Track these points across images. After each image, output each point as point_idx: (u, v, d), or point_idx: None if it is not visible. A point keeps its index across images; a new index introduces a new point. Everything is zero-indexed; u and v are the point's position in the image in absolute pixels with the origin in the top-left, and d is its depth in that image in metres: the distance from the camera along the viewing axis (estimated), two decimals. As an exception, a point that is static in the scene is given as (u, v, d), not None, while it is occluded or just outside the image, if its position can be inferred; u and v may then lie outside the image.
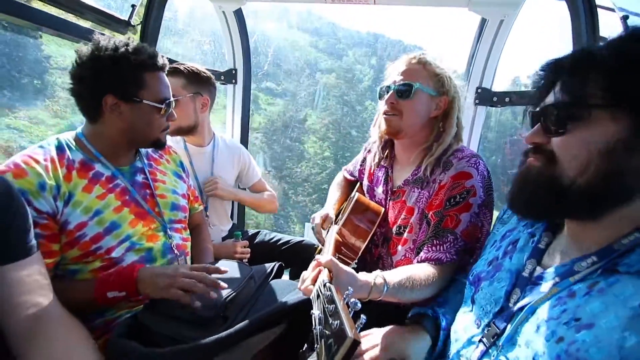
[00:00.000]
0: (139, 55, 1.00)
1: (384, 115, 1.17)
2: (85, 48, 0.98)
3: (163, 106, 1.06)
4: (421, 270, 0.94)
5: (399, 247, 1.16)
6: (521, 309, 0.63)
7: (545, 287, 0.62)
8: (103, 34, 1.03)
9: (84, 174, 0.99)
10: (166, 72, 1.35)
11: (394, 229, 1.19)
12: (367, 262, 1.33)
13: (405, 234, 1.14)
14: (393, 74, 1.16)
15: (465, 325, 0.76)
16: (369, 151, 1.43)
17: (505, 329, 0.64)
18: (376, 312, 0.92)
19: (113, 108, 1.00)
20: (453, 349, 0.76)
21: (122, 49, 0.99)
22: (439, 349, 0.83)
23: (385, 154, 1.30)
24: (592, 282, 0.56)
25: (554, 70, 0.65)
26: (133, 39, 1.04)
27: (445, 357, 0.79)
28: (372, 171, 1.36)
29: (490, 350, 0.65)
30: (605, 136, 0.55)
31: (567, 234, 0.68)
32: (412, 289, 0.88)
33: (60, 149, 0.99)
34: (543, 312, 0.59)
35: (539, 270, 0.67)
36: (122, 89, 1.00)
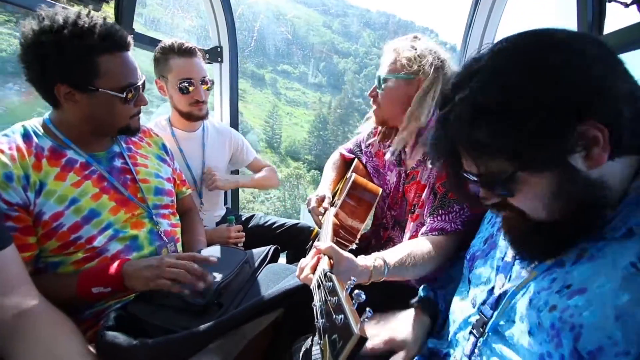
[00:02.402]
0: (87, 37, 0.86)
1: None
2: (29, 27, 0.84)
3: (123, 95, 0.93)
4: (423, 244, 0.93)
5: (410, 224, 1.14)
6: (505, 293, 0.63)
7: (525, 272, 0.63)
8: (53, 4, 0.90)
9: (54, 161, 0.92)
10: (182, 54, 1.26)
11: (411, 209, 1.16)
12: (372, 245, 1.32)
13: (417, 210, 1.13)
14: None
15: (462, 305, 0.76)
16: (376, 134, 1.38)
17: (492, 316, 0.64)
18: (382, 294, 0.91)
19: (68, 97, 0.90)
20: (451, 331, 0.76)
21: (66, 31, 0.84)
22: (439, 326, 0.83)
23: (388, 133, 1.30)
24: (580, 250, 0.56)
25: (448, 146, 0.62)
26: (88, 12, 0.89)
27: (444, 337, 0.79)
28: (382, 155, 1.33)
29: (479, 340, 0.65)
30: (544, 187, 0.54)
31: None
32: (414, 265, 0.87)
33: (26, 136, 0.92)
34: (534, 286, 0.59)
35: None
36: (73, 78, 0.88)
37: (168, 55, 1.46)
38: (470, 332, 0.67)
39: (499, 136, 0.52)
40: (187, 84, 1.46)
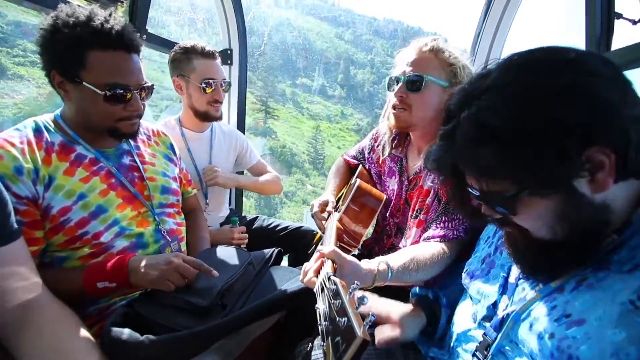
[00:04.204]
0: (78, 28, 0.86)
1: (393, 110, 1.11)
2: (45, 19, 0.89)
3: (103, 92, 0.90)
4: (426, 250, 0.93)
5: (414, 229, 1.13)
6: (508, 316, 0.62)
7: (530, 294, 0.62)
8: (67, 1, 0.93)
9: (64, 156, 0.94)
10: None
11: (414, 214, 1.16)
12: (375, 252, 1.32)
13: (421, 216, 1.12)
14: (402, 63, 1.09)
15: (463, 318, 0.76)
16: (377, 140, 1.38)
17: (495, 339, 0.63)
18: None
19: (60, 86, 0.92)
20: (452, 342, 0.76)
21: (60, 20, 0.86)
22: (442, 327, 0.83)
23: (394, 144, 1.27)
24: (581, 277, 0.55)
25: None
26: (110, 13, 0.91)
27: (445, 348, 0.79)
28: (382, 162, 1.33)
29: None
30: (548, 209, 0.53)
31: None
32: (417, 270, 0.87)
33: (37, 131, 0.93)
34: (535, 310, 0.59)
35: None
36: (62, 66, 0.89)
37: (191, 56, 1.51)
38: (474, 355, 0.67)
39: (504, 160, 0.51)
40: (209, 84, 1.51)
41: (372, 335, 0.85)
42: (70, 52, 0.87)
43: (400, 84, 1.06)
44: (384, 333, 0.78)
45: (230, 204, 2.02)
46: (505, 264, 0.71)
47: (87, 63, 0.88)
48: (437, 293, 0.89)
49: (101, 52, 0.89)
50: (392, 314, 0.81)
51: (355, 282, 0.56)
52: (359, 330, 0.42)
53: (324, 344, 0.48)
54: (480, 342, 0.66)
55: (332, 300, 0.52)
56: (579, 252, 0.55)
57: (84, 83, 0.89)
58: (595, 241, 0.54)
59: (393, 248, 1.25)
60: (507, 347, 0.62)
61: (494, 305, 0.68)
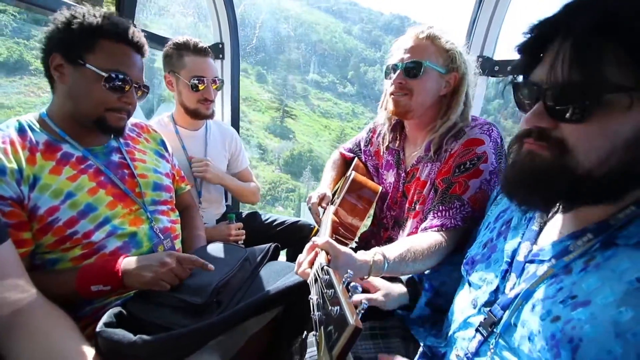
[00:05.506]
0: (99, 19, 0.91)
1: (392, 96, 1.10)
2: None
3: (106, 75, 0.92)
4: (423, 240, 0.92)
5: (410, 221, 1.13)
6: (517, 295, 0.61)
7: (541, 270, 0.60)
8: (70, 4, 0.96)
9: (50, 155, 0.92)
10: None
11: (411, 207, 1.15)
12: (372, 246, 1.31)
13: (418, 207, 1.12)
14: (400, 51, 1.09)
15: (462, 306, 0.75)
16: (375, 132, 1.37)
17: (502, 317, 0.62)
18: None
19: (57, 69, 0.92)
20: (450, 330, 0.75)
21: (80, 13, 0.92)
22: (420, 307, 0.87)
23: (394, 135, 1.26)
24: (589, 257, 0.54)
25: (559, 33, 0.52)
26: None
27: (443, 336, 0.79)
28: (381, 154, 1.32)
29: (488, 339, 0.63)
30: (633, 124, 0.47)
31: (561, 212, 0.64)
32: (414, 260, 0.86)
33: (21, 130, 0.92)
34: (539, 291, 0.57)
35: (535, 249, 0.65)
36: (68, 49, 0.91)
37: (182, 52, 1.48)
38: (477, 330, 0.66)
39: None
40: (198, 82, 1.48)
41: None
42: (82, 38, 0.91)
43: (398, 71, 1.07)
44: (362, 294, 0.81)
45: (226, 200, 2.00)
46: (510, 248, 0.69)
47: (96, 49, 0.92)
48: (421, 277, 0.91)
49: (112, 43, 0.94)
50: (376, 281, 0.87)
51: (349, 271, 0.55)
52: (352, 319, 0.41)
53: (317, 333, 0.47)
54: (485, 319, 0.65)
55: (325, 290, 0.51)
56: (607, 194, 0.51)
57: (87, 65, 0.91)
58: (625, 186, 0.51)
59: (390, 241, 1.24)
60: (513, 327, 0.60)
61: (496, 290, 0.67)
